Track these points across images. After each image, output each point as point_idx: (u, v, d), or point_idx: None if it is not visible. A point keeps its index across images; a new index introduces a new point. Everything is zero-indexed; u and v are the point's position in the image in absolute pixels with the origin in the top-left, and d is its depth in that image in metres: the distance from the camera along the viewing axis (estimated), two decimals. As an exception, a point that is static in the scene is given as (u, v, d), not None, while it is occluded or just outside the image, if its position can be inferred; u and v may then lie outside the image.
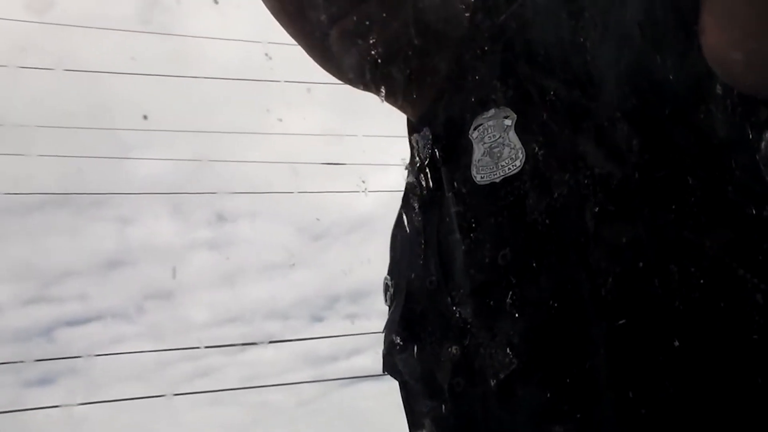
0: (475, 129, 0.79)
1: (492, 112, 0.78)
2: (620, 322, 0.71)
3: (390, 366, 0.92)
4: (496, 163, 0.76)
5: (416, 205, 0.87)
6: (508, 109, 0.77)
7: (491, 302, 0.76)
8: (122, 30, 10.51)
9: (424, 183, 0.85)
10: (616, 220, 0.72)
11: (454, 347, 0.78)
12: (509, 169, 0.75)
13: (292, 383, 10.70)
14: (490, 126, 0.77)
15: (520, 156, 0.75)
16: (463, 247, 0.78)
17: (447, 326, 0.80)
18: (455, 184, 0.80)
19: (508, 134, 0.76)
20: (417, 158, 0.89)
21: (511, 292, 0.74)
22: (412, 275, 0.86)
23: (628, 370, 0.71)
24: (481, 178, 0.77)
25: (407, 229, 0.90)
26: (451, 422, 0.80)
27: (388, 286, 0.94)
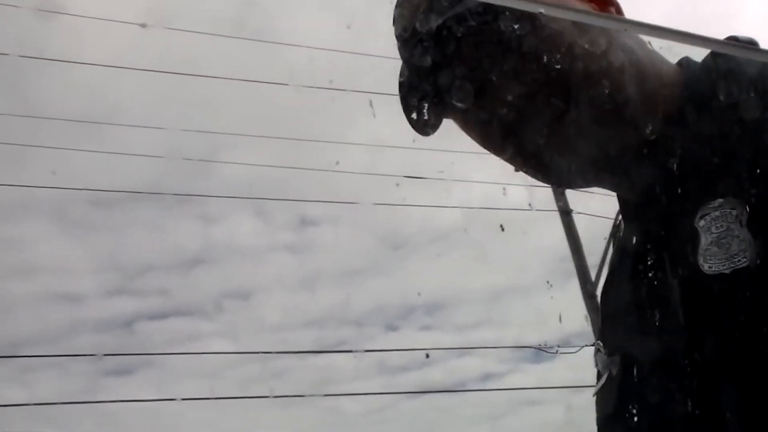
0: (701, 218, 0.79)
1: (718, 202, 0.78)
2: None
3: None
4: (725, 254, 0.76)
5: (633, 282, 0.90)
6: (735, 201, 0.77)
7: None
8: (214, 34, 10.74)
9: (641, 267, 0.88)
10: None
11: None
12: (739, 261, 0.75)
13: (364, 393, 10.72)
14: (717, 216, 0.78)
15: (749, 249, 0.75)
16: (686, 334, 0.79)
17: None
18: (680, 270, 0.81)
19: (736, 226, 0.76)
20: (633, 240, 0.91)
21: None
22: (632, 352, 0.88)
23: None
24: (709, 267, 0.77)
25: (623, 298, 0.92)
26: None
27: (600, 351, 0.95)
